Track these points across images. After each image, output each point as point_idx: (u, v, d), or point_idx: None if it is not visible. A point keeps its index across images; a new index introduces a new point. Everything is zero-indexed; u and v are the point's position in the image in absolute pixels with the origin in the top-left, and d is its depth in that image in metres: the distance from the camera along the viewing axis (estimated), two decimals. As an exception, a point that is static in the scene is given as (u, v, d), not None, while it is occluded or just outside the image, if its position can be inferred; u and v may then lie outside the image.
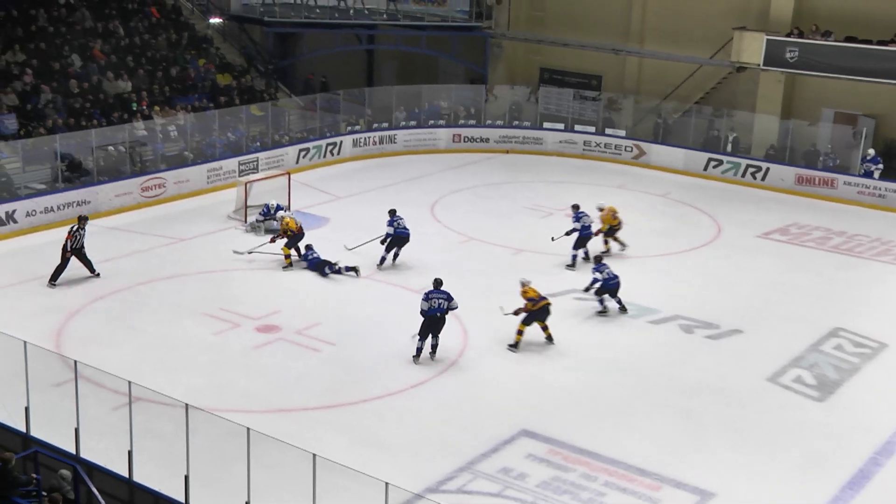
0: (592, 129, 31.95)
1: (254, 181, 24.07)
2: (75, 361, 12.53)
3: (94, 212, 22.83)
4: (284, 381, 15.70)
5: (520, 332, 17.07)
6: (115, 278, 19.64)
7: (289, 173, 25.10)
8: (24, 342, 12.59)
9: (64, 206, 22.73)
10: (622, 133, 31.66)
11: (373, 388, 15.44)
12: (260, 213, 22.82)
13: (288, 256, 20.59)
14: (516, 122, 32.64)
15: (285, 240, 20.61)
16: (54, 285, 19.04)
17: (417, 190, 26.65)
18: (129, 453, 11.84)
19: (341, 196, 25.80)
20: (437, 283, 16.59)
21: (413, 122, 31.58)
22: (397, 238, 20.50)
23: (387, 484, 9.98)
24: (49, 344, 16.08)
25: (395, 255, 20.76)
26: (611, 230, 22.11)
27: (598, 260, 19.41)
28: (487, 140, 32.10)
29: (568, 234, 21.36)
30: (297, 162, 28.48)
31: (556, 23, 34.97)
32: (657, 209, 25.90)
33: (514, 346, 17.05)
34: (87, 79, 26.74)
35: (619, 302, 18.85)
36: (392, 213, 20.73)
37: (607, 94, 33.32)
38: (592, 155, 31.57)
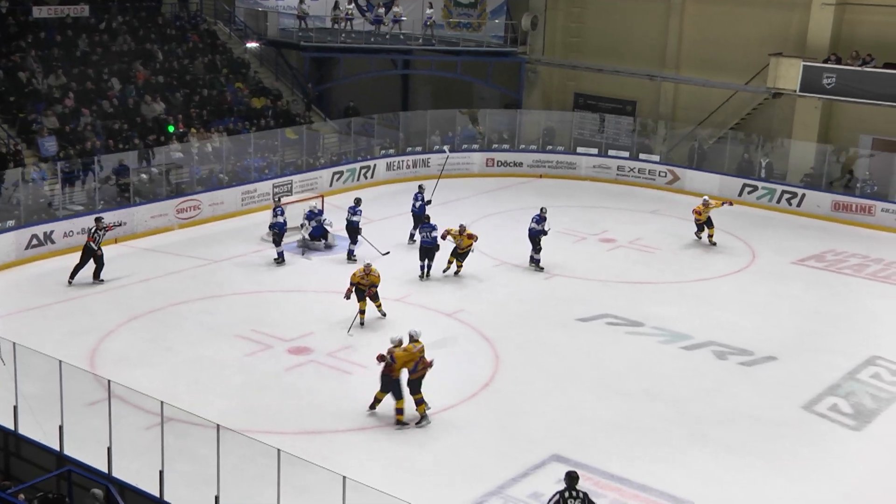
0: (626, 154, 31.88)
1: (288, 203, 24.22)
2: (108, 381, 12.61)
3: (131, 233, 23.10)
4: (316, 403, 15.72)
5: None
6: (149, 299, 19.82)
7: (322, 196, 25.27)
8: (60, 362, 12.70)
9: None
10: (656, 158, 31.57)
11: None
12: (305, 216, 23.53)
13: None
14: (550, 147, 32.65)
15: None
16: (71, 283, 20.39)
17: (450, 214, 26.65)
18: (161, 473, 11.88)
19: (375, 219, 25.90)
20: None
21: (447, 147, 31.67)
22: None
23: (416, 508, 9.95)
24: (84, 363, 16.24)
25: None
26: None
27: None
28: (521, 164, 32.13)
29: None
30: (331, 185, 28.65)
31: (592, 49, 35.03)
32: (691, 235, 25.71)
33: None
34: (124, 102, 27.15)
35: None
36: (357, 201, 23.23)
37: (641, 119, 33.29)
38: (626, 180, 31.49)
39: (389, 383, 14.97)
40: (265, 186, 26.88)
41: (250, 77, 31.61)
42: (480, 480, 13.52)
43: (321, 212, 23.82)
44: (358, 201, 23.18)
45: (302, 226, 23.43)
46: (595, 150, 32.17)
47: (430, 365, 15.01)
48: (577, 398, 16.28)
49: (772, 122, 31.27)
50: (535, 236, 22.39)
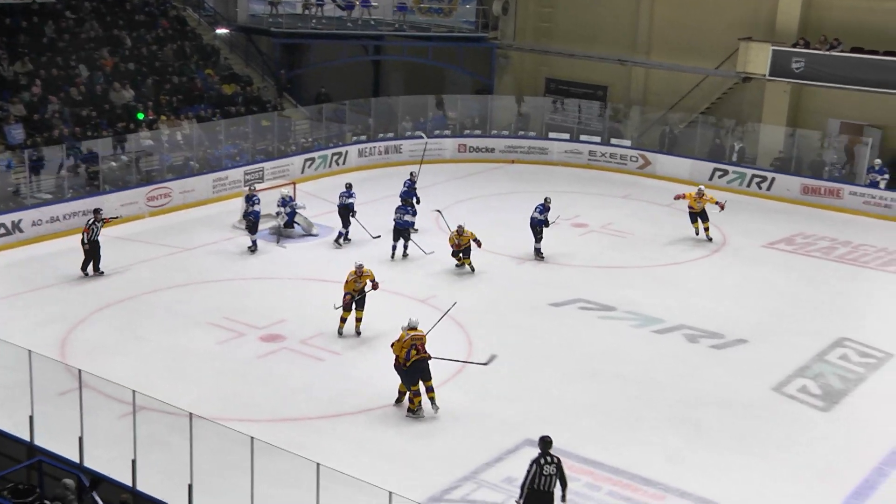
0: (598, 139, 31.98)
1: (260, 191, 24.10)
2: (79, 370, 12.53)
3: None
4: (288, 390, 15.71)
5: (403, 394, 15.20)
6: (120, 288, 19.70)
7: (294, 183, 25.18)
8: (29, 351, 12.62)
9: (70, 216, 22.81)
10: (627, 143, 31.69)
11: (376, 398, 15.43)
12: (278, 204, 23.38)
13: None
14: (522, 132, 32.68)
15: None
16: (86, 274, 20.14)
17: (423, 200, 26.64)
18: (133, 462, 11.84)
19: (347, 206, 25.88)
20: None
21: (420, 132, 31.60)
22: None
23: (390, 493, 9.97)
24: (54, 353, 16.11)
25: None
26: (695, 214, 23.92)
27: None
28: (493, 150, 32.14)
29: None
30: (303, 172, 28.55)
31: (563, 34, 35.05)
32: (662, 219, 25.88)
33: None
34: (92, 89, 26.88)
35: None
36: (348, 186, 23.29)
37: (613, 104, 33.40)
38: (598, 165, 31.60)
39: (400, 374, 14.87)
40: (236, 174, 26.74)
41: (220, 63, 31.40)
42: (454, 465, 13.57)
43: (292, 198, 23.74)
44: (349, 185, 23.32)
45: (277, 214, 23.32)
46: (567, 136, 32.24)
47: (426, 355, 14.70)
48: (549, 382, 16.36)
49: (742, 106, 31.46)
50: (537, 226, 22.29)
